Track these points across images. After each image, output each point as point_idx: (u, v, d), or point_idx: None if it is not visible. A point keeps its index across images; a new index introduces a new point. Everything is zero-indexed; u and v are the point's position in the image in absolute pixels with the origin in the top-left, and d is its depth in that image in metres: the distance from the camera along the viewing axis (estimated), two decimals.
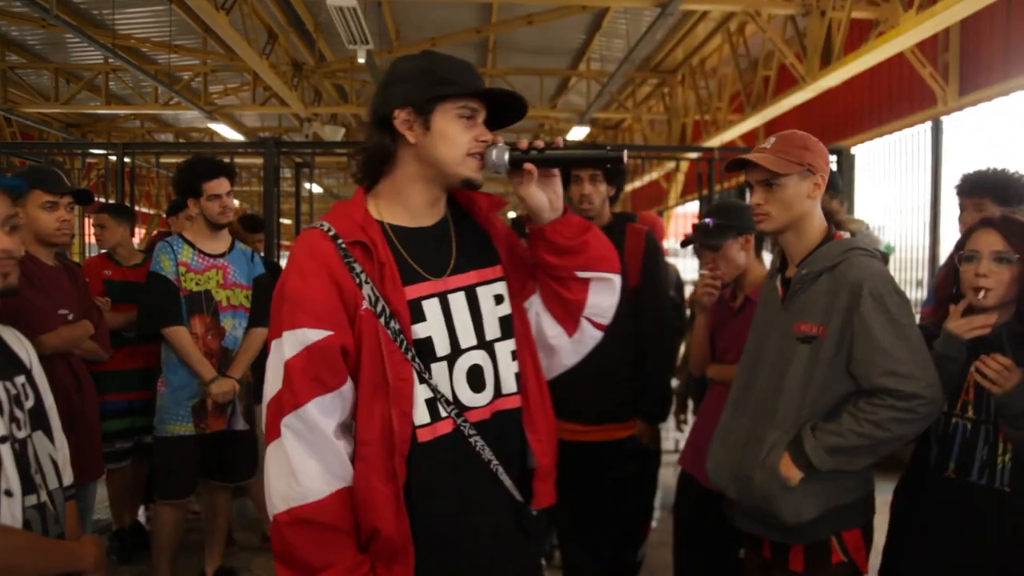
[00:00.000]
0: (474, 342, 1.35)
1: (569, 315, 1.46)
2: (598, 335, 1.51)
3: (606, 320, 1.50)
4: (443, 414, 1.30)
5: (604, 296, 1.46)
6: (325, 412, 1.24)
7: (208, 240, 3.06)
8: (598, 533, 2.91)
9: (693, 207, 11.27)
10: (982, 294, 1.71)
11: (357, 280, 1.28)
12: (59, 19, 5.63)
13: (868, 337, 1.63)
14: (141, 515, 3.94)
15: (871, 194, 7.08)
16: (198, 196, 3.01)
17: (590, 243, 1.40)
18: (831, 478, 1.68)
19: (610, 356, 2.63)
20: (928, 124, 6.17)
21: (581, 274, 1.41)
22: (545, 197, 1.37)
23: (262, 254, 3.94)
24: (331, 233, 1.30)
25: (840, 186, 3.35)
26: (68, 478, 1.55)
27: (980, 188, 2.53)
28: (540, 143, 1.35)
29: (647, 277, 2.66)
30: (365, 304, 1.27)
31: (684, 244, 2.63)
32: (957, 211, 2.68)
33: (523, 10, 7.47)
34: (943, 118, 6.04)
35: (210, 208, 3.02)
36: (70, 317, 2.62)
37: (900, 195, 6.56)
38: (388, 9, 7.57)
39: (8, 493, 1.32)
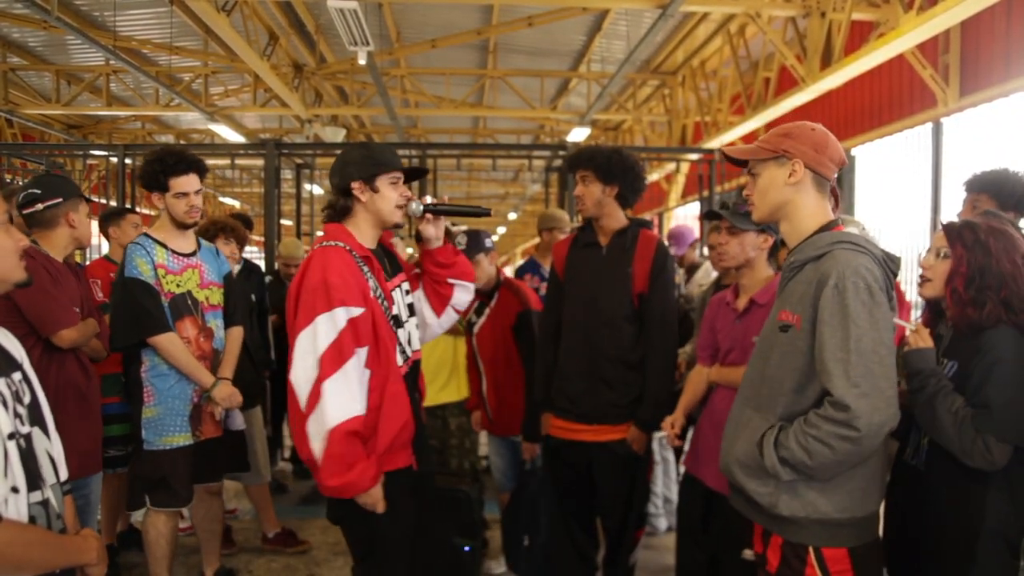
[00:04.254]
0: (406, 317, 2.21)
1: (441, 304, 2.31)
2: (455, 317, 2.38)
3: (463, 308, 2.37)
4: (403, 360, 2.12)
5: (463, 294, 2.33)
6: (360, 360, 1.97)
7: (178, 238, 2.86)
8: (591, 534, 2.92)
9: (693, 208, 11.27)
10: (922, 283, 1.92)
11: (367, 278, 2.03)
12: (60, 21, 5.63)
13: (820, 332, 1.58)
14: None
15: (871, 195, 7.09)
16: (164, 191, 2.78)
17: (458, 263, 2.28)
18: (818, 487, 1.62)
19: (609, 357, 2.68)
20: (929, 125, 6.18)
21: (451, 280, 2.28)
22: (434, 231, 2.23)
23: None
24: (347, 248, 2.04)
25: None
26: (64, 473, 1.56)
27: (978, 185, 2.58)
28: (435, 200, 2.21)
29: (653, 284, 2.68)
30: (371, 293, 2.02)
31: (708, 217, 2.62)
32: (958, 212, 2.69)
33: (524, 11, 7.48)
34: (944, 119, 6.04)
35: (176, 207, 2.79)
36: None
37: (901, 196, 6.56)
38: (389, 11, 7.58)
39: (14, 490, 1.33)
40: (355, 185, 2.08)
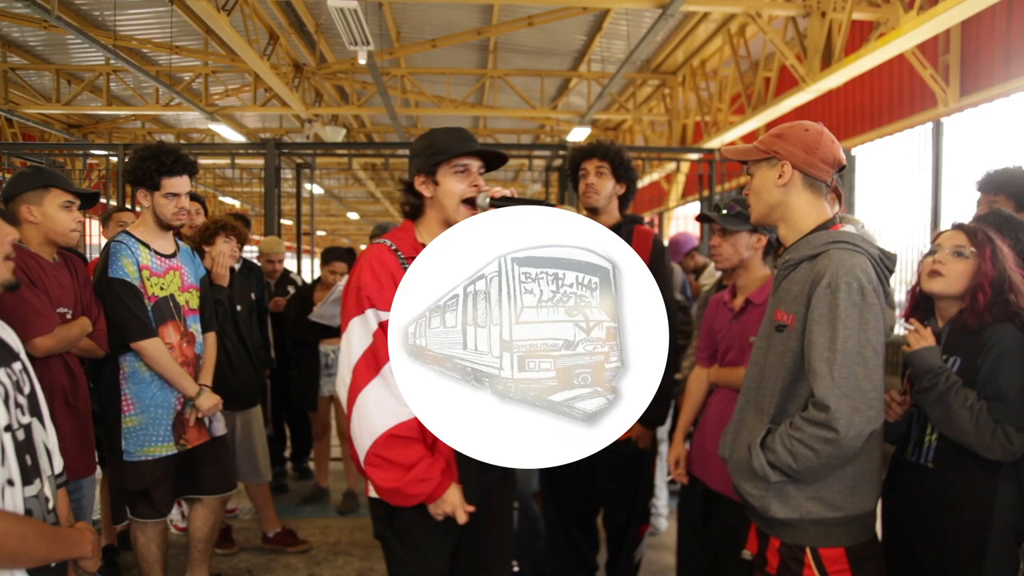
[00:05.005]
0: None
1: None
2: None
3: None
4: None
5: None
6: None
7: (161, 239, 2.76)
8: (590, 534, 2.92)
9: (694, 208, 11.27)
10: (934, 277, 1.88)
11: None
12: (60, 20, 5.63)
13: (809, 331, 1.59)
14: None
15: (872, 195, 7.09)
16: (154, 189, 2.67)
17: None
18: (809, 488, 1.62)
19: None
20: (929, 125, 6.18)
21: None
22: None
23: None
24: (393, 248, 1.86)
25: None
26: (59, 465, 1.56)
27: (995, 185, 2.57)
28: (504, 193, 1.86)
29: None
30: None
31: (701, 219, 2.62)
32: (958, 211, 2.69)
33: (524, 11, 7.48)
34: (944, 119, 6.04)
35: (164, 207, 2.68)
36: (68, 315, 2.56)
37: (901, 196, 6.56)
38: (389, 10, 7.58)
39: (10, 483, 1.33)
40: (418, 180, 1.87)
